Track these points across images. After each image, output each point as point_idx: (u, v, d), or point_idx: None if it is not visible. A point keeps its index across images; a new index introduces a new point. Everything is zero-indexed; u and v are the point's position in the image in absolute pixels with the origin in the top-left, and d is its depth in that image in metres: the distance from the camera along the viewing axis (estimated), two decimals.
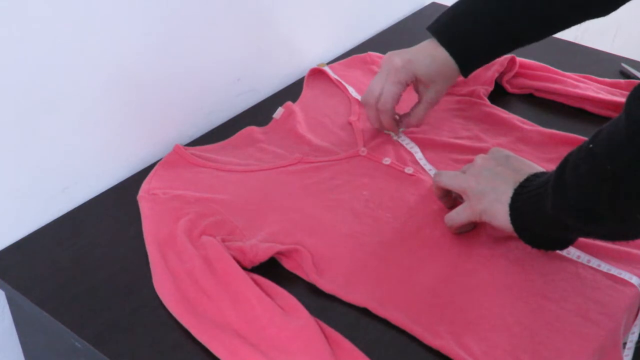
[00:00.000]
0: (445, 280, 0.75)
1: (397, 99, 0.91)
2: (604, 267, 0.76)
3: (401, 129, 0.95)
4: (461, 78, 1.07)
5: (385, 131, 0.95)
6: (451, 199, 0.82)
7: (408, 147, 0.93)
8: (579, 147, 0.66)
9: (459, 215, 0.78)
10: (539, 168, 0.76)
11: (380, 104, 0.90)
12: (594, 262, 0.76)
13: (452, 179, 0.79)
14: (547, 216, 0.69)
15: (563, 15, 0.89)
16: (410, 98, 1.06)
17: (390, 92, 0.90)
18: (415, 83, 0.92)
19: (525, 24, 0.89)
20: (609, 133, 0.62)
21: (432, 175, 0.83)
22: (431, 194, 0.84)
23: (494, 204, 0.74)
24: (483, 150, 0.92)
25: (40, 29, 0.74)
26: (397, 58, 0.90)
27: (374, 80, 0.91)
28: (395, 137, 0.95)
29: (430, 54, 0.89)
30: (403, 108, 1.02)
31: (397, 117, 0.94)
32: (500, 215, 0.74)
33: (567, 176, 0.66)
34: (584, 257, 0.77)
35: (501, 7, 0.87)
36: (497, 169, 0.76)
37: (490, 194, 0.75)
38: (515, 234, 0.74)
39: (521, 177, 0.74)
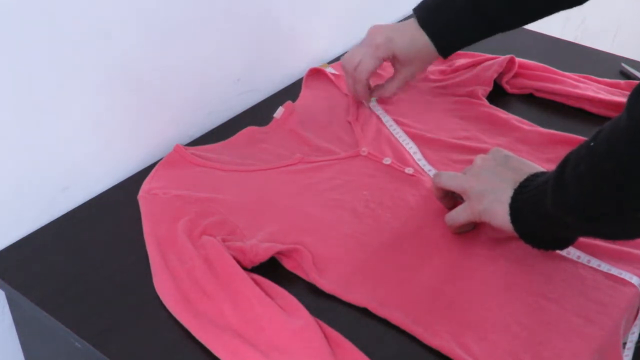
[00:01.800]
0: (445, 280, 0.75)
1: (372, 72, 0.96)
2: (604, 267, 0.76)
3: (374, 99, 1.01)
4: (459, 78, 1.07)
5: (364, 101, 1.00)
6: (451, 199, 0.82)
7: (407, 147, 0.93)
8: (579, 146, 0.66)
9: (459, 215, 0.78)
10: (539, 168, 0.76)
11: (356, 73, 0.96)
12: (594, 262, 0.76)
13: (452, 180, 0.79)
14: (547, 215, 0.69)
15: (540, 3, 0.92)
16: (408, 98, 1.06)
17: (366, 65, 0.95)
18: (393, 60, 0.97)
19: (503, 10, 0.92)
20: (609, 132, 0.62)
21: (432, 176, 0.83)
22: (431, 194, 0.84)
23: (493, 204, 0.74)
24: (482, 150, 0.92)
25: (40, 28, 0.74)
26: (379, 35, 0.95)
27: (355, 48, 0.97)
28: (367, 105, 1.01)
29: (411, 36, 0.94)
30: (403, 108, 1.02)
31: (371, 86, 1.00)
32: (500, 215, 0.74)
33: (567, 175, 0.66)
34: (584, 258, 0.77)
35: None
36: (497, 169, 0.76)
37: (490, 194, 0.75)
38: (515, 234, 0.74)
39: (521, 177, 0.74)
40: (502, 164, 0.77)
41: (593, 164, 0.63)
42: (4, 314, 0.82)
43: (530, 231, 0.73)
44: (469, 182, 0.77)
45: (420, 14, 0.94)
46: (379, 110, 0.97)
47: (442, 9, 0.92)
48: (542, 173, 0.74)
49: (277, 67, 1.08)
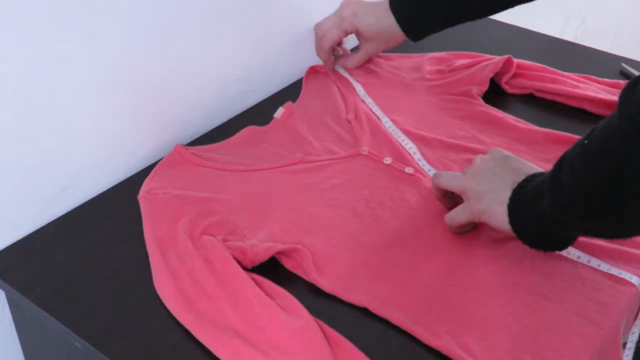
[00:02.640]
0: (445, 280, 0.75)
1: (336, 42, 1.04)
2: (604, 267, 0.76)
3: (337, 66, 1.08)
4: (455, 77, 1.07)
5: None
6: (451, 199, 0.82)
7: (407, 146, 0.93)
8: (574, 145, 0.66)
9: (458, 215, 0.78)
10: (538, 169, 0.76)
11: (322, 41, 1.04)
12: (594, 262, 0.76)
13: (451, 180, 0.79)
14: (544, 216, 0.69)
15: None
16: (407, 97, 1.06)
17: (331, 34, 1.03)
18: (357, 34, 1.04)
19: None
20: (603, 129, 0.62)
21: (431, 176, 0.83)
22: (431, 194, 0.84)
23: (492, 204, 0.74)
24: (479, 150, 0.92)
25: (40, 29, 0.74)
26: (347, 9, 1.02)
27: (329, 16, 1.05)
28: (329, 71, 1.07)
29: (377, 15, 1.01)
30: (401, 107, 1.02)
31: (337, 53, 1.08)
32: (498, 215, 0.74)
33: (562, 174, 0.66)
34: (584, 257, 0.77)
35: None
36: (496, 170, 0.76)
37: (489, 194, 0.75)
38: (514, 235, 0.74)
39: (520, 178, 0.74)
40: (502, 164, 0.77)
41: (587, 162, 0.63)
42: (4, 314, 0.82)
43: (528, 232, 0.73)
44: (468, 183, 0.77)
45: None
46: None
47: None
48: (540, 173, 0.74)
49: (277, 67, 1.08)
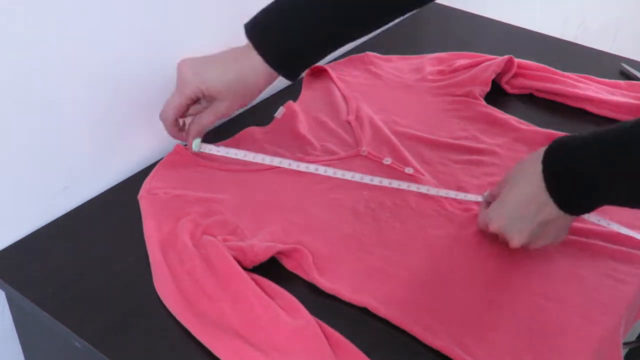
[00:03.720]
0: (445, 280, 0.75)
1: (180, 110, 0.85)
2: (623, 230, 0.79)
3: (198, 141, 0.89)
4: (457, 78, 1.07)
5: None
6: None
7: (407, 147, 0.93)
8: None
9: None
10: (532, 175, 0.74)
11: (163, 110, 0.86)
12: (614, 226, 0.80)
13: (540, 244, 0.77)
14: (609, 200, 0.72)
15: (380, 11, 0.84)
16: (407, 98, 1.06)
17: (172, 102, 0.85)
18: (205, 96, 0.85)
19: (341, 25, 0.83)
20: None
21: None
22: (431, 195, 0.85)
23: (568, 229, 0.76)
24: (481, 150, 0.93)
25: (40, 28, 0.74)
26: (186, 68, 0.84)
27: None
28: (191, 151, 0.89)
29: (222, 67, 0.84)
30: (401, 108, 1.02)
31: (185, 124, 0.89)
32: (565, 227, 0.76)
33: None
34: (603, 221, 0.80)
35: (317, 10, 0.82)
36: (544, 232, 0.75)
37: (559, 235, 0.76)
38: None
39: (552, 209, 0.73)
40: (528, 223, 0.75)
41: None
42: (4, 314, 0.82)
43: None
44: (540, 242, 0.76)
45: (253, 35, 0.83)
46: (377, 110, 0.97)
47: (277, 31, 0.82)
48: (560, 185, 0.72)
49: None
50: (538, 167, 0.73)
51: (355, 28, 0.85)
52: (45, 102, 0.78)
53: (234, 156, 0.89)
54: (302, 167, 0.89)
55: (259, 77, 0.84)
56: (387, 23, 0.88)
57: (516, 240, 0.75)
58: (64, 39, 0.77)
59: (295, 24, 0.82)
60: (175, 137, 0.88)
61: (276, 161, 0.89)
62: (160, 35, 0.88)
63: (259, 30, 0.83)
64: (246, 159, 0.89)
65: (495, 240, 0.78)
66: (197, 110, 0.87)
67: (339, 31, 0.84)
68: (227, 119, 1.00)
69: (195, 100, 0.86)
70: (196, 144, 0.88)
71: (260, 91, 0.86)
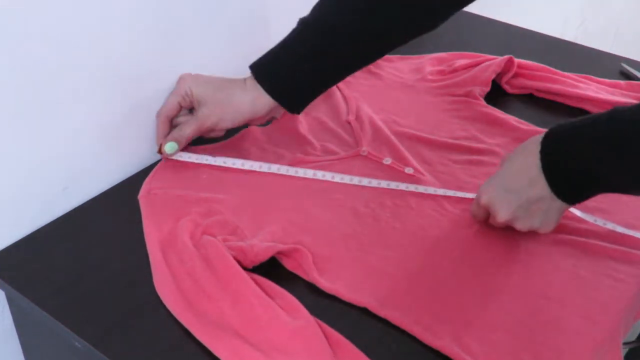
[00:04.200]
0: (445, 280, 0.75)
1: (174, 110, 0.88)
2: (619, 229, 0.79)
3: (173, 146, 0.87)
4: (457, 78, 1.07)
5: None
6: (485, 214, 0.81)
7: (407, 147, 0.93)
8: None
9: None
10: (525, 161, 0.75)
11: (160, 110, 0.88)
12: (610, 225, 0.80)
13: (524, 224, 0.78)
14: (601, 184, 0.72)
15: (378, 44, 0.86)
16: (407, 98, 1.06)
17: (166, 103, 0.88)
18: (196, 102, 0.88)
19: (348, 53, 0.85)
20: None
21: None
22: (431, 195, 0.85)
23: (545, 220, 0.76)
24: (481, 151, 0.93)
25: (41, 29, 0.74)
26: (186, 76, 0.89)
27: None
28: (164, 153, 0.88)
29: (217, 85, 0.87)
30: (402, 108, 1.02)
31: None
32: (558, 218, 0.77)
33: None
34: (600, 221, 0.80)
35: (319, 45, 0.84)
36: (524, 206, 0.76)
37: (537, 216, 0.76)
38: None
39: (543, 187, 0.74)
40: (518, 199, 0.76)
41: None
42: (4, 314, 0.82)
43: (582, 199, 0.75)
44: (532, 223, 0.77)
45: (258, 71, 0.87)
46: (378, 110, 0.97)
47: (280, 67, 0.85)
48: (557, 164, 0.74)
49: None
50: (536, 147, 0.75)
51: (353, 68, 0.88)
52: (45, 102, 0.78)
53: (213, 163, 0.89)
54: (302, 167, 0.89)
55: (245, 97, 0.86)
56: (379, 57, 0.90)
57: (503, 212, 0.76)
58: (65, 39, 0.77)
59: (293, 57, 0.85)
60: (159, 136, 0.89)
61: (255, 165, 0.89)
62: (161, 36, 0.88)
63: (263, 66, 0.87)
64: (226, 164, 0.89)
65: (488, 228, 0.79)
66: (185, 119, 0.89)
67: (340, 73, 0.88)
68: None
69: (190, 108, 0.89)
70: (170, 147, 0.87)
71: (242, 115, 0.87)
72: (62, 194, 0.84)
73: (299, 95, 0.87)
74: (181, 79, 0.89)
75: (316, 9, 0.85)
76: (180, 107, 0.89)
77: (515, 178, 0.76)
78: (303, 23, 0.85)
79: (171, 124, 0.89)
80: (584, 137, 0.72)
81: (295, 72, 0.85)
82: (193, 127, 0.87)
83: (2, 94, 0.74)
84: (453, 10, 0.85)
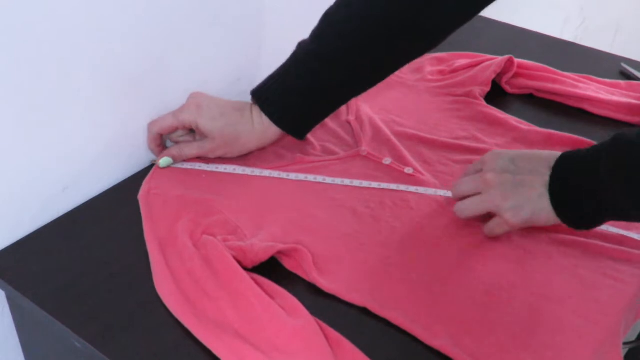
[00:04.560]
0: (445, 280, 0.75)
1: (166, 130, 0.87)
2: (613, 230, 0.79)
3: (168, 161, 0.88)
4: (457, 78, 1.07)
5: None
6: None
7: (406, 147, 0.93)
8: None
9: (500, 228, 0.78)
10: (546, 162, 0.76)
11: (151, 124, 0.88)
12: (613, 229, 0.80)
13: (477, 207, 0.79)
14: (610, 207, 0.71)
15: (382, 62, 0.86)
16: (407, 98, 1.06)
17: (163, 120, 0.87)
18: (198, 130, 0.87)
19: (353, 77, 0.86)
20: None
21: (455, 211, 0.81)
22: (431, 195, 0.85)
23: (535, 211, 0.75)
24: (481, 150, 0.93)
25: (40, 28, 0.74)
26: (191, 99, 0.87)
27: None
28: (157, 164, 0.88)
29: (223, 112, 0.86)
30: (401, 108, 1.02)
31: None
32: (545, 217, 0.75)
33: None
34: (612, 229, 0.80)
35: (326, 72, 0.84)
36: (517, 179, 0.76)
37: (526, 204, 0.75)
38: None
39: (544, 178, 0.74)
40: (516, 171, 0.77)
41: None
42: (4, 314, 0.82)
43: (582, 222, 0.75)
44: (495, 202, 0.77)
45: (260, 98, 0.87)
46: (377, 110, 0.97)
47: (283, 94, 0.85)
48: (568, 162, 0.74)
49: (277, 67, 1.07)
50: (552, 158, 0.75)
51: (358, 88, 0.88)
52: (45, 102, 0.78)
53: (206, 169, 0.89)
54: (301, 167, 0.89)
55: (253, 135, 0.87)
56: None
57: (492, 167, 0.77)
58: (65, 39, 0.77)
59: (299, 87, 0.85)
60: (151, 149, 0.90)
61: (248, 171, 0.89)
62: (160, 36, 0.87)
63: (264, 93, 0.86)
64: (218, 170, 0.89)
65: (497, 241, 0.79)
66: (185, 139, 0.90)
67: (344, 94, 0.88)
68: None
69: (189, 130, 0.89)
70: (165, 162, 0.88)
71: (249, 149, 0.88)
72: (62, 194, 0.84)
73: (307, 123, 0.88)
74: (186, 109, 0.86)
75: (318, 36, 0.85)
76: (176, 130, 0.88)
77: (518, 155, 0.77)
78: (306, 51, 0.86)
79: (162, 138, 0.90)
80: (591, 165, 0.72)
81: (305, 103, 0.86)
82: (194, 153, 0.88)
83: (2, 94, 0.74)
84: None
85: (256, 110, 0.87)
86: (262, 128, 0.87)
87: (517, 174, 0.77)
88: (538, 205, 0.75)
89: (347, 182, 0.87)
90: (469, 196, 0.80)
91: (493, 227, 0.79)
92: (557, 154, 0.76)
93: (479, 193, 0.79)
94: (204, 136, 0.87)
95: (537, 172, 0.76)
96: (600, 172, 0.70)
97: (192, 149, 0.88)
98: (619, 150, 0.69)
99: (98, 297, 0.73)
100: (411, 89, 1.07)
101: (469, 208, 0.80)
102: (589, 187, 0.72)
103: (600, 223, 0.75)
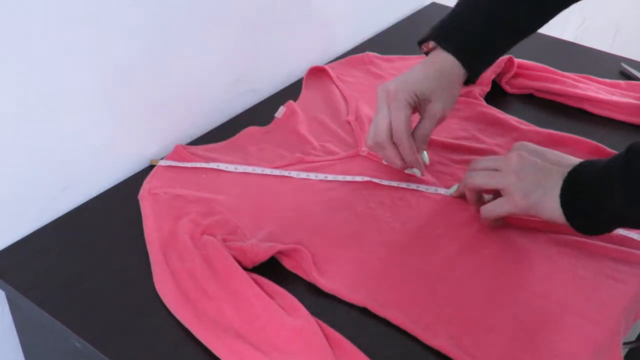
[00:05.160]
0: (444, 280, 0.75)
1: (410, 124, 0.83)
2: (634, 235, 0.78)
3: (425, 155, 0.87)
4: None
5: (408, 170, 0.86)
6: (480, 200, 0.81)
7: None
8: None
9: (498, 209, 0.77)
10: (574, 159, 0.76)
11: (395, 138, 0.82)
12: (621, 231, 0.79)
13: (489, 178, 0.78)
14: (612, 210, 0.70)
15: None
16: None
17: (399, 120, 0.81)
18: (418, 104, 0.84)
19: (524, 12, 0.87)
20: None
21: (464, 179, 0.81)
22: (430, 195, 0.85)
23: (543, 198, 0.74)
24: (481, 150, 0.92)
25: (40, 28, 0.74)
26: (389, 85, 0.83)
27: (375, 118, 0.83)
28: (419, 174, 0.86)
29: (423, 71, 0.85)
30: None
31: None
32: (550, 209, 0.74)
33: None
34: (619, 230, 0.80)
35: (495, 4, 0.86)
36: (538, 164, 0.76)
37: (537, 189, 0.75)
38: (565, 224, 0.74)
39: (564, 170, 0.74)
40: (541, 158, 0.77)
41: None
42: (4, 314, 0.82)
43: (586, 222, 0.73)
44: (509, 178, 0.76)
45: (439, 36, 0.86)
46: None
47: (459, 27, 0.86)
48: (592, 163, 0.74)
49: (277, 67, 1.08)
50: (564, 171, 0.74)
51: (532, 19, 0.89)
52: (46, 102, 0.78)
53: (206, 166, 0.89)
54: (301, 167, 0.89)
55: (454, 70, 0.85)
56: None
57: (515, 152, 0.77)
58: (65, 39, 0.77)
59: (476, 21, 0.85)
60: (414, 160, 0.84)
61: (249, 169, 0.89)
62: (160, 36, 0.88)
63: (443, 31, 0.86)
64: (219, 168, 0.89)
65: (488, 228, 0.79)
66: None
67: (516, 24, 0.88)
68: (226, 119, 1.00)
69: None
70: (425, 157, 0.86)
71: (458, 89, 0.86)
72: (62, 194, 0.84)
73: (483, 59, 0.88)
74: (394, 94, 0.82)
75: None
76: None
77: (552, 155, 0.77)
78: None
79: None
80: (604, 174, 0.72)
81: (483, 36, 0.86)
82: (432, 125, 0.85)
83: (3, 95, 0.74)
84: None
85: (445, 58, 0.85)
86: (457, 72, 0.85)
87: (540, 160, 0.77)
88: (547, 193, 0.74)
89: (348, 179, 0.87)
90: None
91: (492, 207, 0.78)
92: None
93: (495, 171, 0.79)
94: (427, 102, 0.84)
95: (557, 164, 0.75)
96: (613, 181, 0.70)
97: (428, 123, 0.85)
98: (632, 161, 0.69)
99: (98, 297, 0.73)
100: None
101: (480, 175, 0.79)
102: (597, 191, 0.71)
103: (606, 230, 0.75)
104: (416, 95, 0.83)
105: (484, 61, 0.90)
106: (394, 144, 0.83)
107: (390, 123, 0.82)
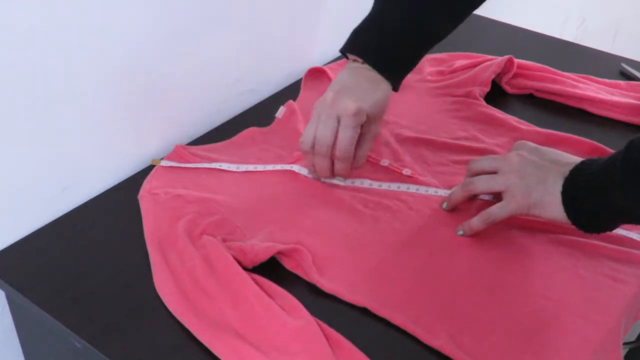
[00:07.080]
0: (445, 280, 0.75)
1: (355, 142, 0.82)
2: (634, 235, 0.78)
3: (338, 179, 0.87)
4: (457, 79, 1.07)
5: (328, 179, 0.87)
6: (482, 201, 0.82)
7: (405, 148, 0.93)
8: None
9: (504, 210, 0.77)
10: (575, 158, 0.76)
11: (340, 154, 0.81)
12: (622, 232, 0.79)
13: (490, 182, 0.78)
14: (613, 206, 0.70)
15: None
16: (407, 99, 1.06)
17: (350, 139, 0.81)
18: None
19: (442, 18, 0.87)
20: None
21: (462, 186, 0.81)
22: (430, 195, 0.85)
23: (544, 196, 0.74)
24: (481, 151, 0.93)
25: (40, 27, 0.74)
26: (346, 99, 0.81)
27: (317, 125, 0.82)
28: (342, 182, 0.87)
29: (370, 89, 0.83)
30: (401, 109, 1.02)
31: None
32: (552, 207, 0.74)
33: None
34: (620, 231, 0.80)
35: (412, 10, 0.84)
36: (539, 163, 0.76)
37: (538, 187, 0.75)
38: (567, 223, 0.74)
39: (565, 168, 0.74)
40: (540, 157, 0.77)
41: None
42: (4, 314, 0.82)
43: (587, 220, 0.73)
44: (510, 180, 0.77)
45: (366, 53, 0.84)
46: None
47: (383, 42, 0.84)
48: (593, 161, 0.74)
49: (277, 67, 1.08)
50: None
51: (442, 25, 0.88)
52: (46, 103, 0.78)
53: (206, 166, 0.89)
54: (287, 167, 0.89)
55: (383, 93, 0.84)
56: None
57: (515, 153, 0.78)
58: (65, 39, 0.77)
59: (388, 31, 0.84)
60: (346, 173, 0.84)
61: (251, 167, 0.89)
62: (160, 36, 0.88)
63: (361, 45, 0.85)
64: (222, 167, 0.89)
65: (497, 241, 0.79)
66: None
67: (429, 30, 0.87)
68: (226, 119, 1.01)
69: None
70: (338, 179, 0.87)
71: (387, 105, 0.85)
72: (62, 194, 0.84)
73: (403, 66, 0.87)
74: (346, 107, 0.80)
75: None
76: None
77: (552, 154, 0.77)
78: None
79: None
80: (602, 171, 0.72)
81: (401, 43, 0.85)
82: (371, 146, 0.86)
83: (2, 94, 0.74)
84: None
85: (372, 73, 0.84)
86: (383, 86, 0.84)
87: (539, 159, 0.77)
88: (548, 191, 0.74)
89: (348, 182, 0.87)
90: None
91: (497, 210, 0.77)
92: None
93: (494, 174, 0.79)
94: (369, 122, 0.83)
95: (557, 163, 0.76)
96: (614, 177, 0.70)
97: (369, 144, 0.85)
98: (633, 155, 0.69)
99: (98, 297, 0.73)
100: (411, 89, 1.07)
101: (481, 181, 0.79)
102: (599, 188, 0.71)
103: (608, 228, 0.75)
104: (367, 118, 0.82)
105: (406, 72, 0.88)
106: (336, 156, 0.82)
107: (336, 137, 0.81)
